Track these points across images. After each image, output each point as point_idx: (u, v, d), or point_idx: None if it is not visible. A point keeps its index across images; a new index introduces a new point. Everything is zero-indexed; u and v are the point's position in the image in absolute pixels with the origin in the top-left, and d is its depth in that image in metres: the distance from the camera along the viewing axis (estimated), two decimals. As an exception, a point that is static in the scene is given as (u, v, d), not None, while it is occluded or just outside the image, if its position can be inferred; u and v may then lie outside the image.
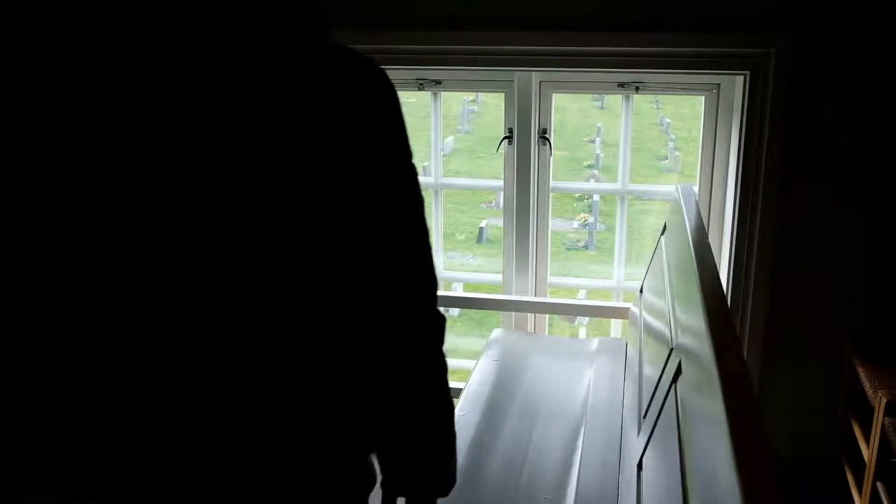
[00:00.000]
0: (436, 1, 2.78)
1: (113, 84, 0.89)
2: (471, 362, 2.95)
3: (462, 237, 9.51)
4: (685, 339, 1.70)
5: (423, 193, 1.16)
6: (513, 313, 3.25)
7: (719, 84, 2.91)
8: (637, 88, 2.98)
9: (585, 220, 10.38)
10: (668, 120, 12.55)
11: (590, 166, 11.62)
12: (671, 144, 12.15)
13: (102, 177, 0.90)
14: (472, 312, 5.78)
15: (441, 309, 1.23)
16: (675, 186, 2.61)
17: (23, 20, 0.89)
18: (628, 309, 2.94)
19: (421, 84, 3.07)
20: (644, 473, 1.80)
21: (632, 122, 3.16)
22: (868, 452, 2.47)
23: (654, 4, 2.66)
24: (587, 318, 6.96)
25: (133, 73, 0.89)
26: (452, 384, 2.63)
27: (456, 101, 10.87)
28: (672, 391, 1.70)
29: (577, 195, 10.54)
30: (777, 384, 2.90)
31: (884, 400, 2.35)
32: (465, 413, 2.35)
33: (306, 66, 0.99)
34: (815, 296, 2.83)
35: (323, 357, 1.07)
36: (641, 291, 2.75)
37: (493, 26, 2.76)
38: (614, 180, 3.26)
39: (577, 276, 7.32)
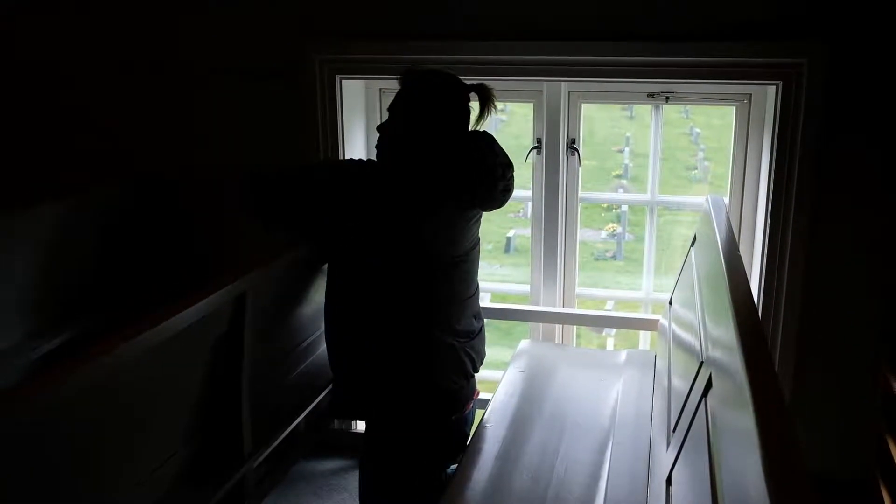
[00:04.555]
0: (465, 11, 2.79)
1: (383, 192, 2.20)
2: (498, 373, 2.93)
3: (490, 247, 9.49)
4: (716, 353, 1.68)
5: None
6: (540, 324, 3.23)
7: (751, 94, 2.89)
8: (667, 98, 2.96)
9: (613, 230, 10.32)
10: (697, 130, 12.44)
11: (618, 176, 11.55)
12: (701, 154, 12.04)
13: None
14: (499, 322, 5.75)
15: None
16: (705, 197, 2.59)
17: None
18: (657, 321, 2.92)
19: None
20: (673, 488, 1.77)
21: (661, 132, 3.14)
22: (903, 469, 2.42)
23: (683, 14, 2.64)
24: (615, 330, 6.91)
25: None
26: (481, 394, 2.62)
27: (484, 111, 10.88)
28: (702, 405, 1.68)
29: (604, 205, 10.49)
30: (809, 398, 2.86)
31: (919, 416, 2.31)
32: (492, 424, 2.34)
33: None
34: (848, 309, 2.78)
35: None
36: (671, 303, 2.72)
37: (523, 36, 2.75)
38: (643, 190, 3.24)
39: (605, 287, 7.28)
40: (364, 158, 2.93)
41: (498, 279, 8.27)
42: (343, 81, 2.99)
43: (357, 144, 3.12)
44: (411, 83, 2.24)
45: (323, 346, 2.64)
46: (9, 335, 2.65)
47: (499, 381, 2.64)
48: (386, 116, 2.27)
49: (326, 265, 2.37)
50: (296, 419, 2.44)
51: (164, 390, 1.88)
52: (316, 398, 2.56)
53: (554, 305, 3.20)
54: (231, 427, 2.11)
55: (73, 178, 3.15)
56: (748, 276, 1.98)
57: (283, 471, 2.51)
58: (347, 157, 3.05)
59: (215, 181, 3.16)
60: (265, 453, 2.26)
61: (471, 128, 2.28)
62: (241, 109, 3.07)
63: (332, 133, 3.01)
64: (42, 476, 1.55)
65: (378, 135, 2.28)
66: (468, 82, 2.26)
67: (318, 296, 2.58)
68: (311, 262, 2.42)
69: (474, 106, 2.28)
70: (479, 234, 2.37)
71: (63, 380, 1.51)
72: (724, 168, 3.09)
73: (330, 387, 2.60)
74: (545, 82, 2.99)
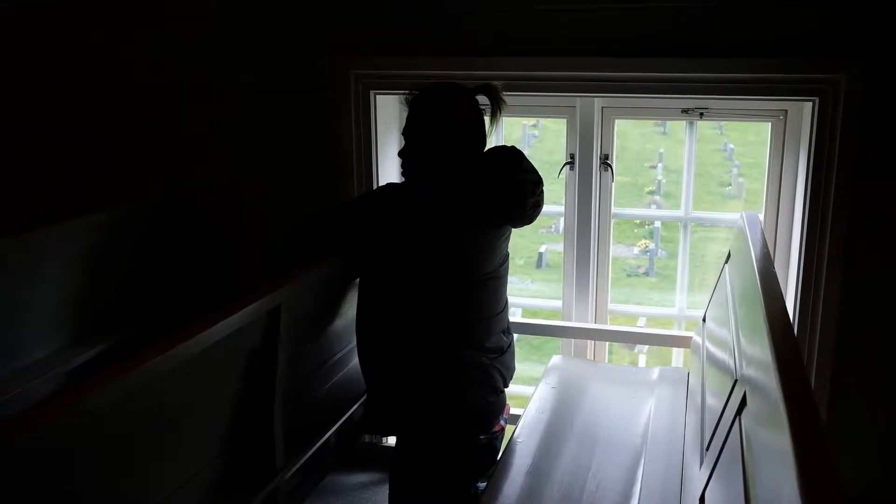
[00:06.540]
0: (498, 27, 2.80)
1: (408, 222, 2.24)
2: (529, 388, 2.93)
3: (521, 262, 9.47)
4: (750, 371, 1.66)
5: None
6: (572, 340, 3.22)
7: (786, 110, 2.86)
8: (701, 115, 2.94)
9: (646, 246, 10.25)
10: (731, 146, 12.34)
11: (651, 192, 11.49)
12: (735, 171, 11.94)
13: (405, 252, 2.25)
14: (530, 338, 5.74)
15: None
16: (740, 214, 2.57)
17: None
18: (690, 338, 2.89)
19: (482, 109, 3.08)
20: (706, 507, 1.76)
21: (695, 148, 3.12)
22: (943, 492, 2.37)
23: (718, 29, 2.63)
24: (647, 347, 6.86)
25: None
26: (512, 410, 2.61)
27: (517, 127, 10.87)
28: (736, 424, 1.66)
29: (637, 221, 10.43)
30: (846, 417, 2.81)
31: (960, 438, 2.26)
32: (523, 440, 2.33)
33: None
34: (885, 327, 2.74)
35: None
36: (704, 320, 2.70)
37: (557, 52, 2.76)
38: (676, 206, 3.22)
39: (637, 304, 7.22)
40: (380, 185, 2.82)
41: (529, 294, 8.26)
42: (377, 97, 3.01)
43: (390, 160, 3.13)
44: (416, 105, 2.29)
45: (354, 360, 2.66)
46: (45, 346, 2.70)
47: (530, 396, 2.63)
48: None
49: (358, 279, 2.39)
50: (327, 432, 2.45)
51: (198, 402, 1.90)
52: (347, 411, 2.57)
53: (586, 321, 3.19)
54: (263, 439, 2.13)
55: (104, 191, 3.21)
56: (783, 294, 1.96)
57: (313, 484, 2.52)
58: (380, 172, 3.07)
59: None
60: (297, 466, 2.27)
61: (487, 126, 2.30)
62: (275, 125, 3.11)
63: (365, 149, 3.03)
64: (75, 485, 1.57)
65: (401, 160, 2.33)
66: (473, 85, 2.29)
67: (350, 309, 2.59)
68: (344, 275, 2.44)
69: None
70: (510, 249, 2.37)
71: (98, 391, 1.53)
72: (759, 184, 3.07)
73: (362, 399, 2.61)
74: (578, 98, 2.99)
